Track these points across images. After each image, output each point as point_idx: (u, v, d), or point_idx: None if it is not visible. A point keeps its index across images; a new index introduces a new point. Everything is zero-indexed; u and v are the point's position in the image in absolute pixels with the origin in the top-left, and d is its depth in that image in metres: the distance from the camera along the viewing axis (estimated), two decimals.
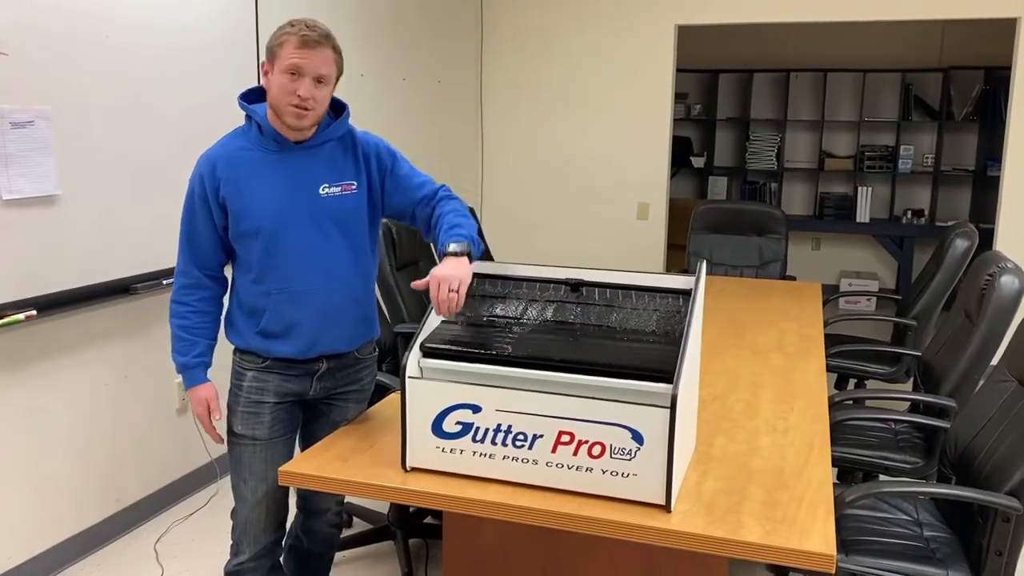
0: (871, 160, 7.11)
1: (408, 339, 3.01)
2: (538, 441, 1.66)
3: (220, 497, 3.34)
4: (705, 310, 3.29)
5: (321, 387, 2.02)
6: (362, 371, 2.08)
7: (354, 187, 1.98)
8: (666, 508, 1.60)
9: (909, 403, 2.78)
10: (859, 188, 6.97)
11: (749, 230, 4.49)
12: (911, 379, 3.38)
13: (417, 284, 1.80)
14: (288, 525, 2.12)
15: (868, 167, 7.10)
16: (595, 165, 5.62)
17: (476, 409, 1.70)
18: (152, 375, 3.19)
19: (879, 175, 7.14)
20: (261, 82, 1.91)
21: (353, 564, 2.87)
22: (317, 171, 1.94)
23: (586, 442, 1.63)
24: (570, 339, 1.76)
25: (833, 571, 1.43)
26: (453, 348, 1.75)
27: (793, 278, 4.27)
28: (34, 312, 2.58)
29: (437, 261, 1.88)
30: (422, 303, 3.30)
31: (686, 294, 1.81)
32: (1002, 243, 4.92)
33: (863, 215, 6.96)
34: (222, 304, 2.02)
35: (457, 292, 1.75)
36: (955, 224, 3.45)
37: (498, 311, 1.87)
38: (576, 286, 1.88)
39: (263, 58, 1.91)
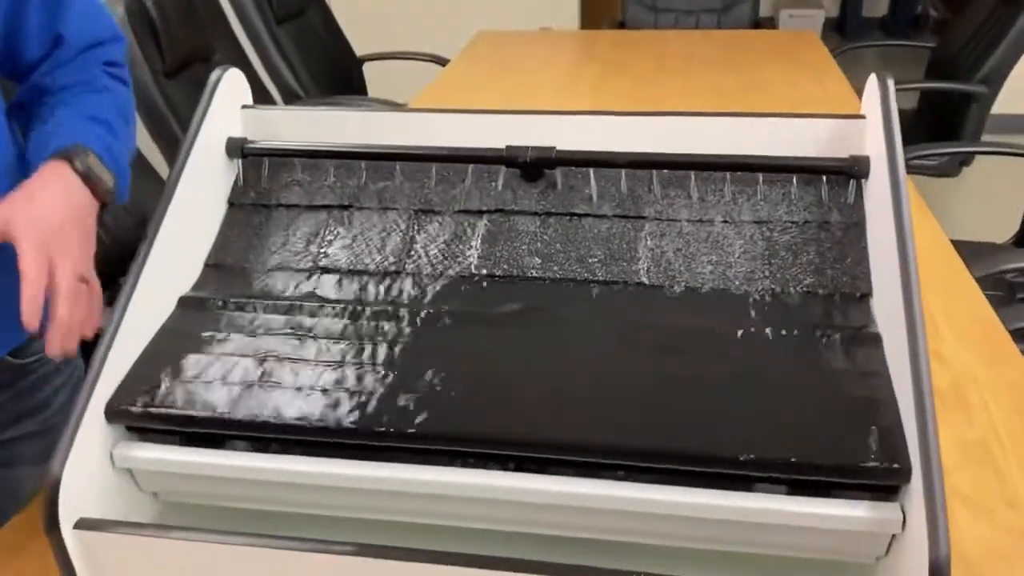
0: None
1: None
2: None
3: None
4: (676, 91, 2.13)
5: None
6: (35, 390, 0.89)
7: None
8: None
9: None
10: None
11: None
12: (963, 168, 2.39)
13: None
14: None
15: None
16: None
17: None
18: None
19: None
20: None
21: None
22: None
23: None
24: (551, 339, 0.62)
25: None
26: (220, 415, 0.60)
27: (771, 23, 3.11)
28: None
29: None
30: None
31: (837, 174, 0.67)
32: None
33: None
34: None
35: (66, 279, 0.62)
36: None
37: (335, 255, 0.69)
38: (534, 166, 0.70)
39: None
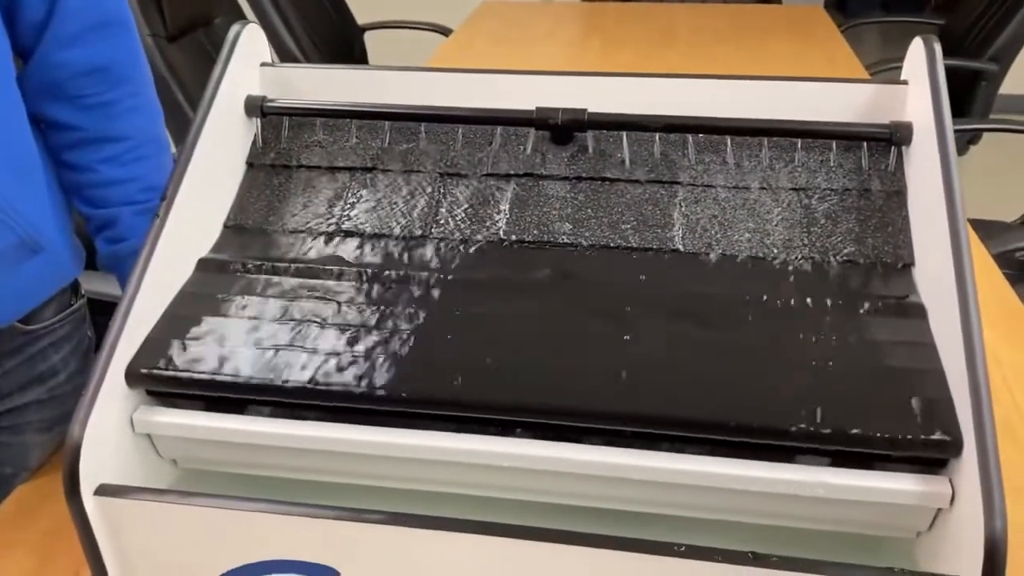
0: None
1: None
2: None
3: None
4: (683, 65, 2.11)
5: None
6: (44, 356, 0.87)
7: None
8: None
9: None
10: None
11: None
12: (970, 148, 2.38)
13: None
14: None
15: None
16: None
17: None
18: None
19: None
20: None
21: None
22: None
23: None
24: (583, 307, 0.61)
25: None
26: (242, 379, 0.58)
27: None
28: None
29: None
30: None
31: (877, 141, 0.65)
32: None
33: None
34: None
35: None
36: None
37: (358, 218, 0.67)
38: (565, 129, 0.68)
39: None
